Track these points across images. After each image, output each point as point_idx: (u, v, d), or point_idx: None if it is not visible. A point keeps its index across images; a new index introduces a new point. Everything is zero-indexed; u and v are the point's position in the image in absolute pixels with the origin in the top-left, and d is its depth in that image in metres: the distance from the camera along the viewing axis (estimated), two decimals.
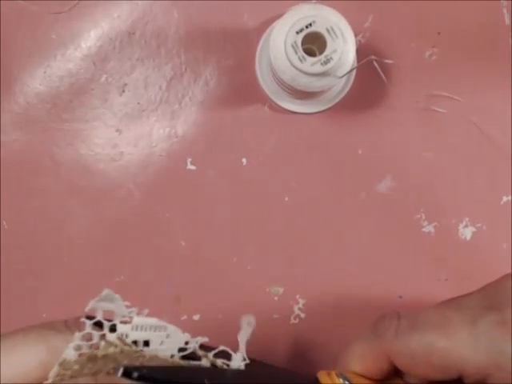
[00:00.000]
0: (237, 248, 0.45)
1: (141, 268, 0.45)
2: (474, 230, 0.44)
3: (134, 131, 0.44)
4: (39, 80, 0.44)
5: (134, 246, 0.45)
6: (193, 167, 0.44)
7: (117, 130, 0.44)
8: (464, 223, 0.44)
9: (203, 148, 0.44)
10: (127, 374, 0.23)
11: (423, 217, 0.44)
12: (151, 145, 0.44)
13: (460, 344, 0.25)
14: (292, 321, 0.45)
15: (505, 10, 0.44)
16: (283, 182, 0.45)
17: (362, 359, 0.28)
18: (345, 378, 0.28)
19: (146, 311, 0.24)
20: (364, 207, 0.45)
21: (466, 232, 0.44)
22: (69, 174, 0.44)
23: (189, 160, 0.44)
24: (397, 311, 0.29)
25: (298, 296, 0.45)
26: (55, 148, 0.44)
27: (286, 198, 0.45)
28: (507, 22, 0.44)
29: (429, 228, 0.44)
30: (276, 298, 0.45)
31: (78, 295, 0.45)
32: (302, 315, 0.45)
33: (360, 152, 0.44)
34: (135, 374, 0.22)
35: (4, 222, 0.45)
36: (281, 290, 0.45)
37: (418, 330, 0.27)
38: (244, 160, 0.45)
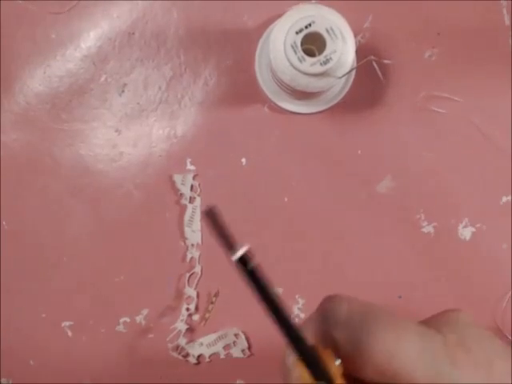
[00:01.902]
0: None
1: (141, 268, 0.45)
2: (474, 230, 0.44)
3: (134, 131, 0.44)
4: (39, 80, 0.44)
5: (134, 245, 0.45)
6: (192, 167, 0.44)
7: (116, 131, 0.44)
8: (464, 223, 0.44)
9: (203, 148, 0.44)
10: (243, 261, 0.21)
11: (423, 217, 0.44)
12: (151, 145, 0.44)
13: (407, 350, 0.24)
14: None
15: (505, 11, 0.43)
16: (283, 182, 0.45)
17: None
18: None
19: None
20: (364, 207, 0.44)
21: (466, 232, 0.44)
22: (68, 174, 0.45)
23: (188, 160, 0.44)
24: (346, 295, 0.28)
25: (297, 296, 0.45)
26: (55, 148, 0.44)
27: (286, 198, 0.45)
28: (507, 22, 0.44)
29: (428, 228, 0.44)
30: None
31: (78, 295, 0.45)
32: (302, 315, 0.45)
33: (360, 152, 0.44)
34: (250, 265, 0.21)
35: (4, 222, 0.45)
36: (281, 289, 0.45)
37: (368, 323, 0.25)
38: (244, 160, 0.44)
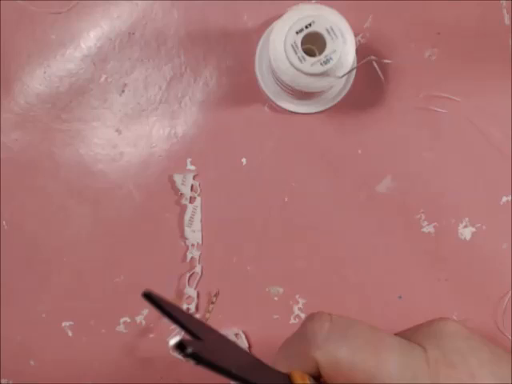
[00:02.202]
0: (237, 248, 0.45)
1: (141, 268, 0.45)
2: (474, 230, 0.44)
3: (134, 131, 0.44)
4: (39, 80, 0.44)
5: (134, 245, 0.45)
6: (193, 167, 0.44)
7: (116, 130, 0.44)
8: (464, 223, 0.44)
9: (203, 148, 0.44)
10: (181, 347, 0.20)
11: (423, 217, 0.44)
12: (151, 145, 0.44)
13: (389, 367, 0.24)
14: (292, 321, 0.45)
15: (505, 11, 0.44)
16: (283, 182, 0.45)
17: (287, 361, 0.27)
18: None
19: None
20: (364, 207, 0.45)
21: (466, 232, 0.44)
22: (68, 174, 0.45)
23: (189, 160, 0.44)
24: (327, 313, 0.27)
25: (297, 296, 0.45)
26: (55, 148, 0.44)
27: (286, 198, 0.45)
28: (507, 22, 0.44)
29: (429, 228, 0.44)
30: (276, 298, 0.45)
31: (78, 295, 0.45)
32: (302, 315, 0.45)
33: (360, 152, 0.44)
34: (189, 350, 0.20)
35: (4, 222, 0.45)
36: (281, 289, 0.45)
37: (348, 341, 0.25)
38: (244, 160, 0.45)
